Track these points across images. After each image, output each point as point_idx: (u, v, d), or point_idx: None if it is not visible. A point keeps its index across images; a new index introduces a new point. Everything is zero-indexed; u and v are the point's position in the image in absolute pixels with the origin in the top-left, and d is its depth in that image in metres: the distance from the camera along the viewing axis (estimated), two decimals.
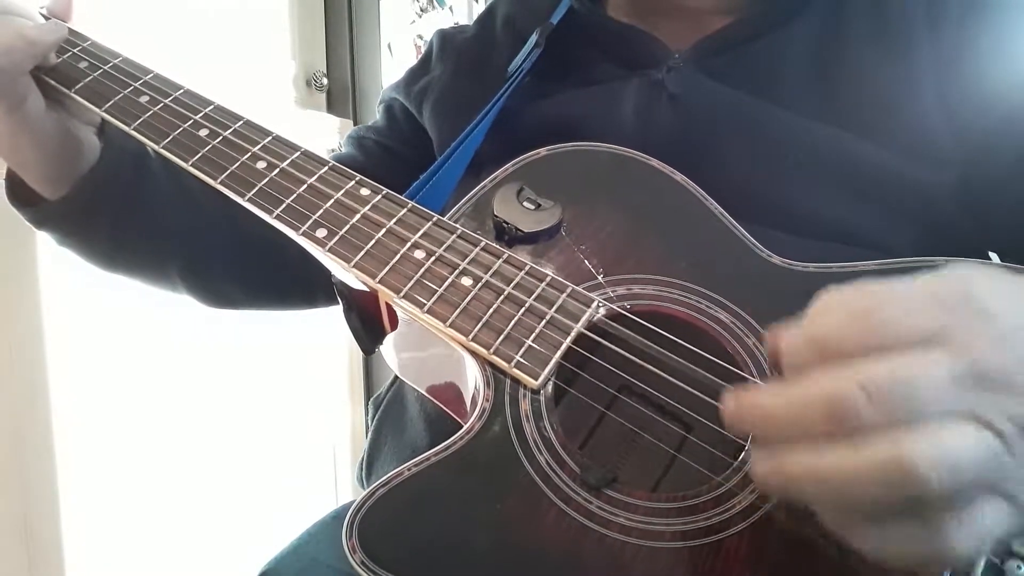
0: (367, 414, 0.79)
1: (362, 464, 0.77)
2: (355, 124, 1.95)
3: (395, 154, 0.82)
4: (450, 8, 2.15)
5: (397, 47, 1.99)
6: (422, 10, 2.08)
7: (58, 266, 1.22)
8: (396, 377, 0.74)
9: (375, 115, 0.87)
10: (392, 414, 0.73)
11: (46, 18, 0.65)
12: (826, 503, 0.36)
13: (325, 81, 1.96)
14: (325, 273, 0.58)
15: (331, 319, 0.86)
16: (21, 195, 0.66)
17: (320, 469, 1.92)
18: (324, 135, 1.87)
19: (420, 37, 2.07)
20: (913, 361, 0.33)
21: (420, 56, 0.84)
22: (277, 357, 1.73)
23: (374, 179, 0.57)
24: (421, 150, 0.78)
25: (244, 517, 1.61)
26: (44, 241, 0.69)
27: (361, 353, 1.98)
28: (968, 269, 0.37)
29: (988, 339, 0.34)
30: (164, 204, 0.70)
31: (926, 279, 0.36)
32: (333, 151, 0.85)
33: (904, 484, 0.32)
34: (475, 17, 0.84)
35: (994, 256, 0.62)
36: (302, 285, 0.80)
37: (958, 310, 0.34)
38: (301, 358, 1.82)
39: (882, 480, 0.32)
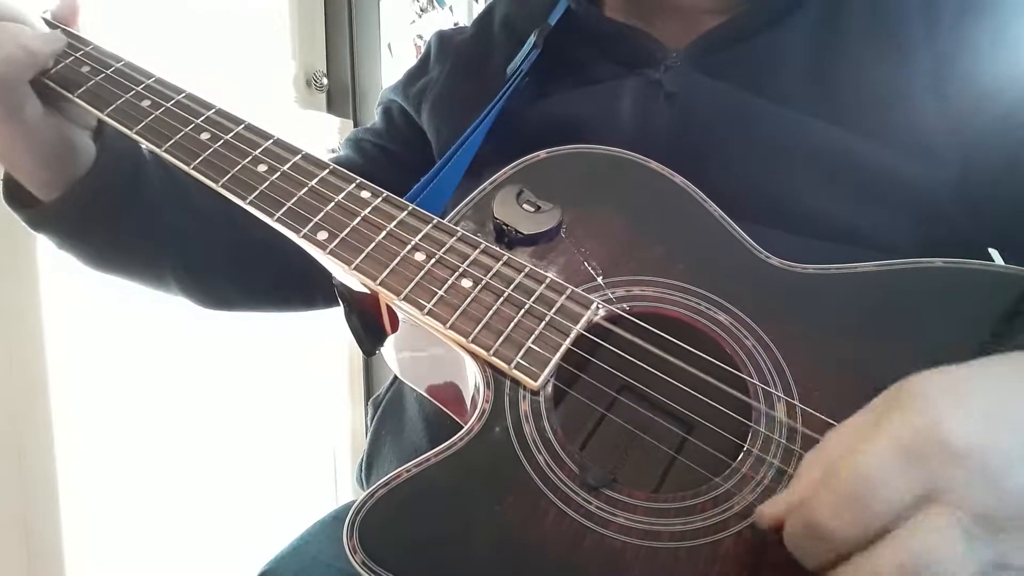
0: (367, 414, 0.79)
1: (362, 464, 0.77)
2: (355, 124, 1.95)
3: (393, 156, 0.82)
4: (450, 8, 2.15)
5: (397, 47, 1.99)
6: (422, 10, 2.08)
7: (58, 267, 1.22)
8: (396, 378, 0.74)
9: (374, 115, 0.87)
10: (392, 415, 0.73)
11: (49, 24, 0.65)
12: None
13: (325, 81, 1.96)
14: (323, 275, 0.58)
15: (331, 320, 0.86)
16: (18, 197, 0.67)
17: (320, 469, 1.92)
18: (324, 135, 1.87)
19: (420, 37, 2.07)
20: (925, 536, 0.33)
21: (418, 57, 0.84)
22: (277, 357, 1.73)
23: (373, 181, 0.57)
24: (419, 152, 0.78)
25: (244, 517, 1.61)
26: (44, 242, 0.69)
27: (361, 354, 1.99)
28: (928, 394, 0.36)
29: (979, 484, 0.33)
30: (159, 206, 0.70)
31: (889, 428, 0.36)
32: (333, 151, 0.85)
33: None
34: (475, 17, 0.84)
35: (994, 253, 0.63)
36: (300, 287, 0.80)
37: (934, 461, 0.34)
38: (301, 358, 1.82)
39: None
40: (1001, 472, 0.33)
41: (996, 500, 0.33)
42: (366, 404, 1.12)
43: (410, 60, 1.99)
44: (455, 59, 0.79)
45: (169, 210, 0.71)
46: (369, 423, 0.77)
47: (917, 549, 0.33)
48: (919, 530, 0.33)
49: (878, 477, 0.34)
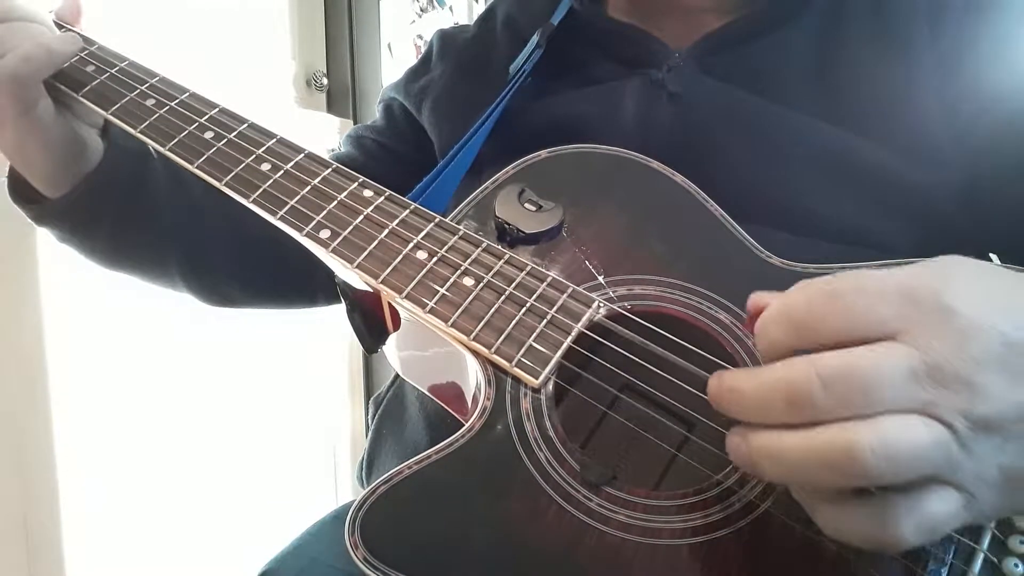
0: (367, 413, 0.80)
1: (362, 464, 0.77)
2: (355, 124, 1.95)
3: (394, 153, 0.82)
4: (450, 8, 2.15)
5: (397, 47, 1.99)
6: (422, 10, 2.09)
7: (58, 265, 1.22)
8: (396, 376, 0.74)
9: (375, 115, 0.87)
10: (393, 413, 0.73)
11: (58, 25, 0.65)
12: (786, 483, 0.39)
13: (325, 81, 1.96)
14: (325, 272, 0.58)
15: (331, 319, 0.86)
16: (23, 192, 0.67)
17: (320, 469, 1.92)
18: (324, 135, 1.87)
19: (420, 37, 2.07)
20: (872, 353, 0.34)
21: (420, 56, 0.84)
22: (277, 357, 1.73)
23: (373, 178, 0.57)
24: (420, 149, 0.78)
25: (244, 517, 1.61)
26: (44, 240, 0.69)
27: (361, 353, 2.00)
28: (952, 265, 0.38)
29: (949, 336, 0.34)
30: (165, 204, 0.70)
31: (907, 271, 0.37)
32: (332, 151, 0.85)
33: (850, 471, 0.34)
34: (475, 17, 0.85)
35: (995, 258, 0.63)
36: (302, 284, 0.80)
37: (924, 305, 0.35)
38: (301, 358, 1.82)
39: (830, 466, 0.34)
40: (972, 338, 0.34)
41: (953, 357, 0.34)
42: (366, 404, 1.12)
43: (410, 60, 1.99)
44: (457, 58, 0.79)
45: (174, 207, 0.71)
46: (370, 422, 0.77)
47: (865, 367, 0.34)
48: (877, 353, 0.34)
49: (871, 294, 0.36)
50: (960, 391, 0.34)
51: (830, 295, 0.36)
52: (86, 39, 0.65)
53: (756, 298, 0.41)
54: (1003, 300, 0.37)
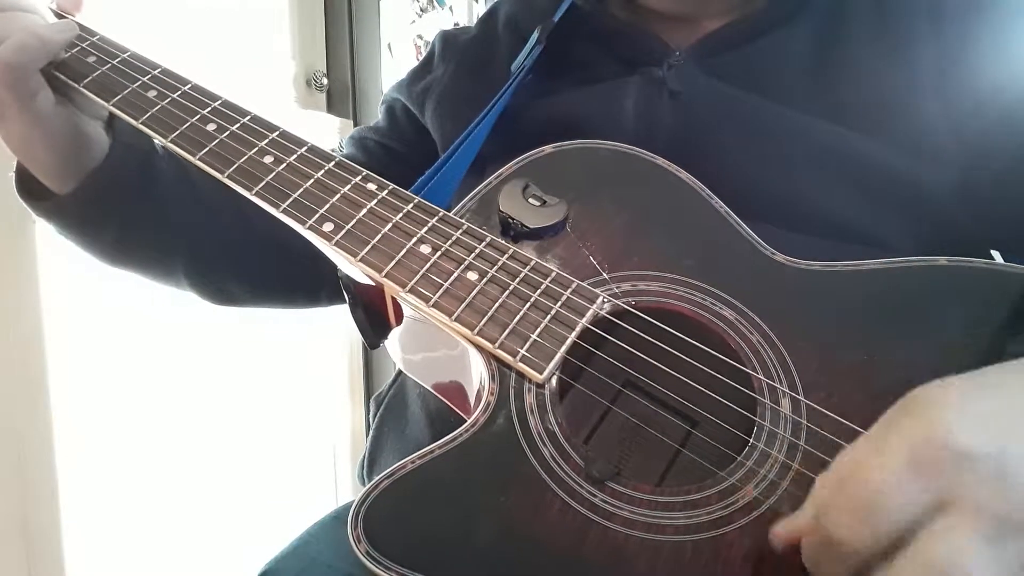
0: (367, 413, 0.79)
1: (363, 462, 0.77)
2: (355, 124, 1.96)
3: (397, 154, 0.82)
4: (450, 8, 2.15)
5: (397, 47, 1.99)
6: (422, 10, 2.09)
7: (58, 264, 1.22)
8: (398, 375, 0.74)
9: (375, 115, 0.87)
10: (394, 411, 0.73)
11: (56, 14, 0.65)
12: None
13: (325, 81, 1.96)
14: (328, 272, 0.58)
15: (331, 318, 0.86)
16: (30, 188, 0.67)
17: (320, 469, 1.92)
18: (324, 135, 1.87)
19: (420, 37, 2.08)
20: (940, 542, 0.33)
21: (422, 57, 0.84)
22: (277, 356, 1.73)
23: None
24: (423, 150, 0.78)
25: (244, 517, 1.61)
26: (44, 238, 0.69)
27: (362, 352, 2.00)
28: (937, 407, 0.36)
29: (993, 486, 0.33)
30: (171, 200, 0.70)
31: (899, 437, 0.36)
32: (334, 151, 0.85)
33: None
34: (475, 17, 0.85)
35: (996, 254, 0.63)
36: (306, 284, 0.80)
37: (946, 467, 0.34)
38: (301, 357, 1.82)
39: None
40: (1013, 473, 0.33)
41: (1011, 501, 0.33)
42: (366, 403, 1.11)
43: (410, 60, 2.00)
44: (459, 58, 0.79)
45: (180, 205, 0.71)
46: (371, 420, 0.77)
47: (937, 556, 0.33)
48: (937, 537, 0.33)
49: (890, 487, 0.34)
50: None
51: (854, 518, 0.35)
52: (87, 30, 0.65)
53: (778, 537, 0.40)
54: (1010, 417, 0.36)
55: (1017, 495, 0.33)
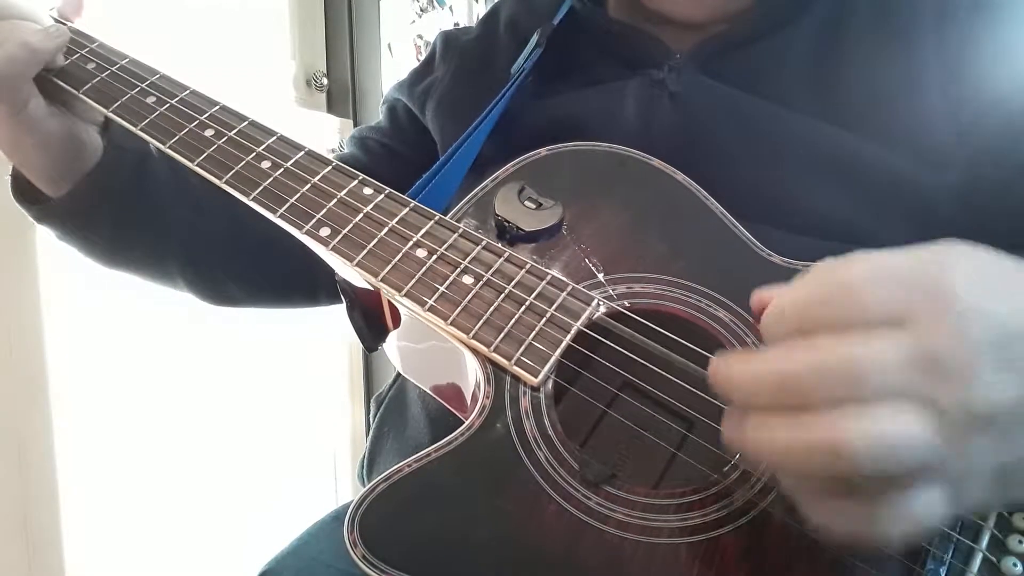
0: (367, 413, 0.79)
1: (363, 462, 0.77)
2: (355, 124, 1.96)
3: (398, 154, 0.82)
4: (450, 8, 2.15)
5: (397, 47, 2.00)
6: (422, 10, 2.09)
7: (58, 265, 1.22)
8: (398, 375, 0.74)
9: (375, 115, 0.87)
10: (394, 412, 0.73)
11: (57, 21, 0.65)
12: (777, 472, 0.38)
13: (325, 81, 1.96)
14: (326, 271, 0.58)
15: (331, 318, 0.86)
16: (25, 192, 0.67)
17: (320, 469, 1.92)
18: (324, 135, 1.87)
19: (420, 37, 2.08)
20: (868, 340, 0.34)
21: (424, 57, 0.84)
22: (277, 357, 1.73)
23: (377, 179, 0.57)
24: (424, 150, 0.78)
25: (244, 517, 1.61)
26: (44, 239, 0.69)
27: (361, 353, 2.00)
28: (950, 250, 0.37)
29: (948, 324, 0.34)
30: (165, 202, 0.70)
31: (906, 255, 0.36)
32: (333, 151, 0.85)
33: (838, 464, 0.33)
34: (475, 17, 0.85)
35: None
36: (304, 283, 0.80)
37: (926, 292, 0.35)
38: (301, 358, 1.82)
39: (818, 459, 0.33)
40: (972, 324, 0.34)
41: (953, 346, 0.33)
42: (366, 403, 1.11)
43: (410, 60, 2.00)
44: (460, 59, 0.79)
45: (174, 206, 0.71)
46: (371, 421, 0.77)
47: (857, 351, 0.33)
48: (870, 336, 0.34)
49: (870, 280, 0.35)
50: (957, 382, 0.33)
51: (830, 285, 0.36)
52: (87, 36, 0.65)
53: (759, 295, 0.41)
54: (1005, 287, 0.36)
55: (964, 345, 0.33)
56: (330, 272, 0.58)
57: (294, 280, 0.80)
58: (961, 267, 0.36)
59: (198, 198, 0.71)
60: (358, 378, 2.02)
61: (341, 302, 0.60)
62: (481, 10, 2.13)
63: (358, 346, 2.07)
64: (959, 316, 0.34)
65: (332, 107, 1.99)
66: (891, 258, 0.36)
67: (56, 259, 1.19)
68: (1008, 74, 0.61)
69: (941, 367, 0.33)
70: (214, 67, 1.58)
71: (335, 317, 0.71)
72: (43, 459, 1.26)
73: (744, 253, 0.55)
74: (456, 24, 2.14)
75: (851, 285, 0.35)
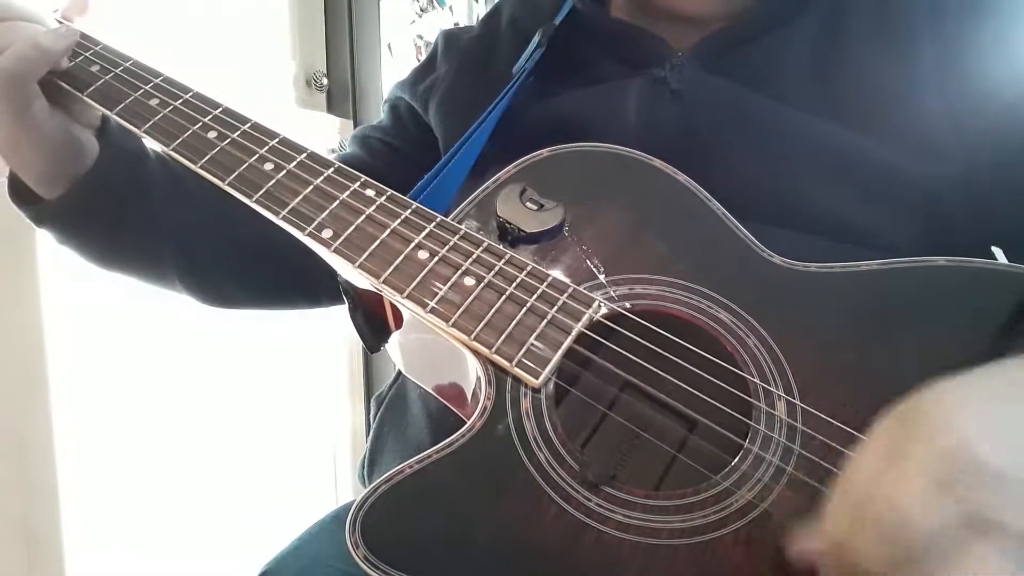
0: (367, 413, 0.79)
1: (364, 462, 0.77)
2: (355, 124, 1.95)
3: (400, 153, 0.82)
4: (450, 8, 2.15)
5: (397, 47, 2.00)
6: (422, 10, 2.09)
7: (58, 265, 1.22)
8: (398, 375, 0.74)
9: (375, 115, 0.87)
10: (394, 412, 0.73)
11: (61, 24, 0.65)
12: None
13: (325, 81, 1.96)
14: (326, 272, 0.58)
15: (331, 319, 0.86)
16: (22, 194, 0.67)
17: (320, 469, 1.92)
18: (324, 135, 1.87)
19: (420, 37, 2.08)
20: (969, 566, 0.32)
21: (426, 56, 0.84)
22: (277, 357, 1.73)
23: (379, 178, 0.57)
24: (426, 149, 0.78)
25: (244, 517, 1.61)
26: (44, 240, 0.69)
27: (362, 352, 2.00)
28: (948, 416, 0.35)
29: (1019, 503, 0.32)
30: (161, 204, 0.70)
31: (916, 454, 0.35)
32: (333, 151, 0.85)
33: None
34: (475, 18, 0.85)
35: (997, 251, 0.63)
36: (303, 284, 0.80)
37: (969, 485, 0.33)
38: (301, 357, 1.82)
39: None
40: None
41: None
42: (366, 403, 1.11)
43: (410, 60, 2.00)
44: (461, 58, 0.80)
45: (171, 208, 0.71)
46: (371, 421, 0.77)
47: None
48: (966, 561, 0.32)
49: (915, 510, 0.33)
50: None
51: (879, 544, 0.34)
52: (90, 39, 0.65)
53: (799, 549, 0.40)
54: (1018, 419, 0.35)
55: None
56: (331, 273, 0.58)
57: (294, 281, 0.80)
58: (975, 431, 0.34)
59: (195, 199, 0.71)
60: (358, 378, 2.02)
61: (342, 303, 0.60)
62: (481, 10, 2.13)
63: (358, 346, 2.07)
64: (1021, 491, 0.32)
65: (332, 107, 1.99)
66: (906, 466, 0.34)
67: (56, 259, 1.19)
68: (1003, 68, 0.62)
69: None
70: (214, 67, 1.58)
71: (336, 317, 0.71)
72: (43, 459, 1.26)
73: (745, 254, 0.55)
74: (456, 24, 2.14)
75: (900, 525, 0.34)
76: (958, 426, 0.34)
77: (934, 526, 0.33)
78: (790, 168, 0.62)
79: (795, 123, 0.63)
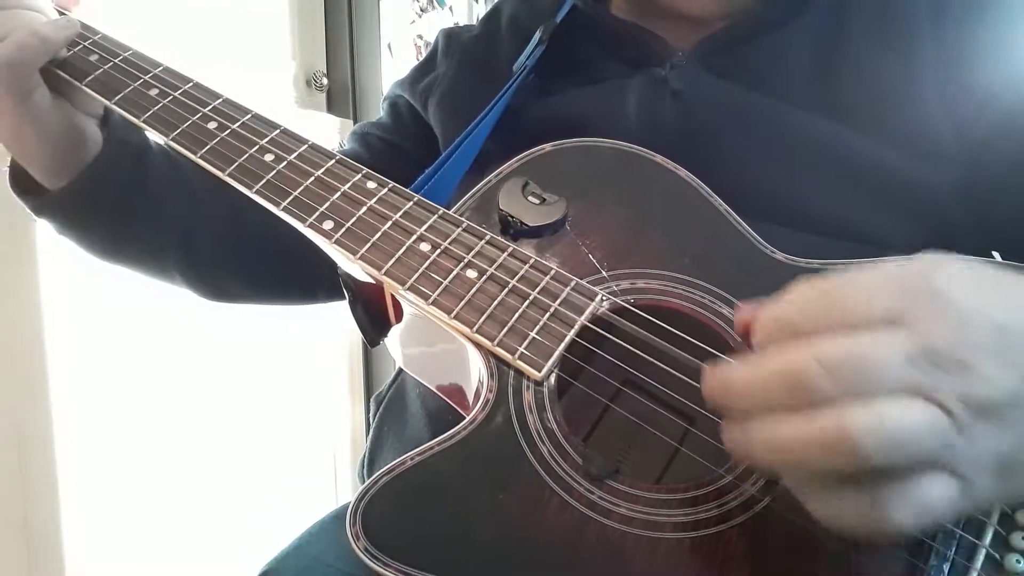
0: (367, 412, 0.79)
1: (364, 461, 0.77)
2: (355, 124, 1.96)
3: (399, 150, 0.82)
4: (450, 8, 2.15)
5: (397, 47, 2.00)
6: (422, 10, 2.09)
7: (58, 263, 1.22)
8: (398, 374, 0.74)
9: (374, 115, 0.87)
10: (394, 411, 0.73)
11: (59, 12, 0.65)
12: (785, 471, 0.38)
13: (325, 81, 1.96)
14: (325, 267, 0.58)
15: (331, 318, 0.86)
16: (23, 184, 0.67)
17: (320, 469, 1.92)
18: (324, 135, 1.86)
19: (420, 37, 2.08)
20: (870, 338, 0.34)
21: (426, 54, 0.85)
22: (277, 355, 1.73)
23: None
24: (426, 146, 0.78)
25: (244, 517, 1.61)
26: (44, 236, 0.69)
27: (362, 352, 2.00)
28: (935, 259, 0.38)
29: (945, 321, 0.34)
30: (164, 197, 0.70)
31: (892, 266, 0.37)
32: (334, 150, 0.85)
33: (846, 455, 0.33)
34: (475, 17, 0.85)
35: (996, 254, 0.63)
36: (302, 279, 0.80)
37: (918, 294, 0.35)
38: (301, 357, 1.82)
39: (827, 450, 0.34)
40: (967, 323, 0.34)
41: (952, 341, 0.34)
42: (366, 403, 1.11)
43: (410, 60, 2.00)
44: (462, 56, 0.80)
45: (173, 201, 0.71)
46: (371, 420, 0.77)
47: (862, 348, 0.34)
48: (873, 334, 0.34)
49: (863, 287, 0.36)
50: (958, 375, 0.34)
51: (822, 293, 0.37)
52: (89, 28, 0.65)
53: (742, 314, 0.41)
54: (991, 286, 0.37)
55: (962, 339, 0.34)
56: (330, 269, 0.58)
57: (293, 276, 0.80)
58: (950, 271, 0.37)
59: (197, 193, 0.71)
60: (358, 377, 2.02)
61: (340, 299, 0.60)
62: (481, 10, 2.13)
63: (358, 344, 2.07)
64: (955, 313, 0.35)
65: (332, 107, 2.00)
66: (881, 267, 0.37)
67: (57, 256, 1.19)
68: (1005, 72, 0.62)
69: (942, 362, 0.34)
70: (214, 67, 1.57)
71: (335, 315, 0.71)
72: (43, 459, 1.26)
73: (748, 250, 0.55)
74: (456, 24, 2.14)
75: (841, 292, 0.36)
76: (941, 267, 0.37)
77: (871, 306, 0.35)
78: (789, 167, 0.62)
79: (795, 123, 0.63)
